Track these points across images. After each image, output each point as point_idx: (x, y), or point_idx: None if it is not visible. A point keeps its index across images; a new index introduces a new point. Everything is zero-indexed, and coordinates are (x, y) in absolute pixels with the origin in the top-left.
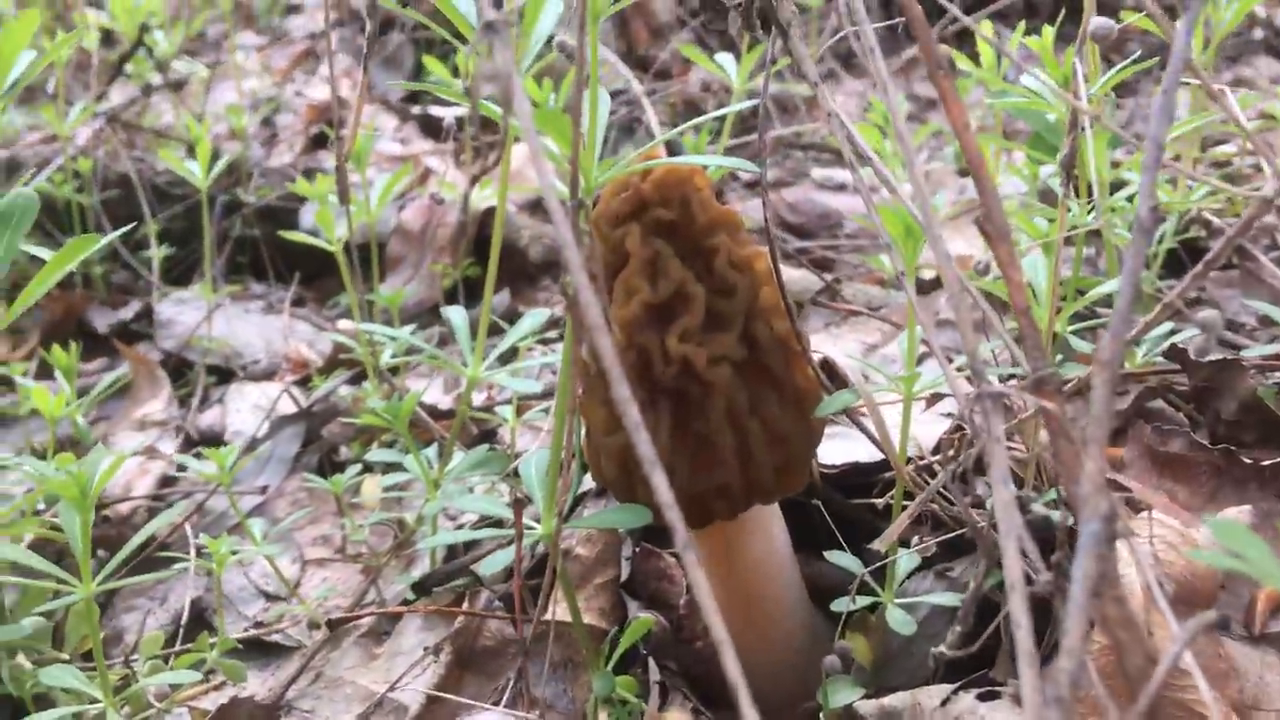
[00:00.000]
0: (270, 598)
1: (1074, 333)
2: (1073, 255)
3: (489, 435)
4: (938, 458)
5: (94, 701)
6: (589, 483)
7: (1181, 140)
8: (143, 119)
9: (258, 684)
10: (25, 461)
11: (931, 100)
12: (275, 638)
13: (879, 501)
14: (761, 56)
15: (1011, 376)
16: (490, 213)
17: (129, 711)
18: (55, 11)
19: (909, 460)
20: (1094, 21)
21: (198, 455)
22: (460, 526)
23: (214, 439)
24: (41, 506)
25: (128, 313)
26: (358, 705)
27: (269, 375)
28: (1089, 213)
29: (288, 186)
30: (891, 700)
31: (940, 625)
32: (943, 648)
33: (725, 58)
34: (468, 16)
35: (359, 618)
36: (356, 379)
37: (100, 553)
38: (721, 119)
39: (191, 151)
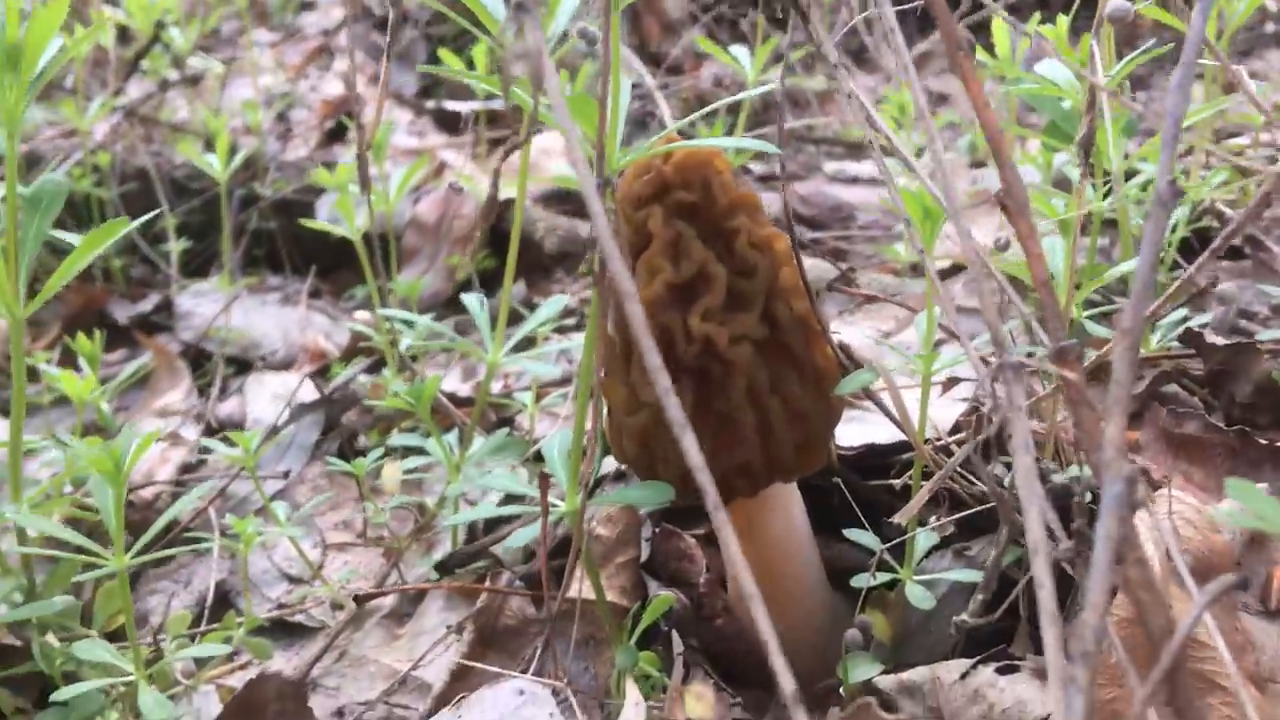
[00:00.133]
0: (293, 580)
1: (1089, 318)
2: (1088, 246)
3: (507, 422)
4: (955, 438)
5: (124, 676)
6: (607, 467)
7: (1195, 132)
8: (159, 114)
9: (282, 663)
10: (56, 442)
11: (943, 95)
12: (299, 619)
13: (896, 483)
14: (774, 50)
15: (1030, 355)
16: (506, 205)
17: (157, 689)
18: (72, 8)
19: (926, 441)
20: (1111, 3)
21: (224, 439)
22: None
23: (234, 428)
24: (69, 489)
25: (147, 305)
26: (382, 683)
27: (287, 366)
28: (1105, 196)
29: (307, 178)
30: (911, 675)
31: (959, 602)
32: (964, 615)
33: (739, 50)
34: (490, 7)
35: (385, 593)
36: (375, 367)
37: (126, 537)
38: (735, 115)
39: (209, 146)
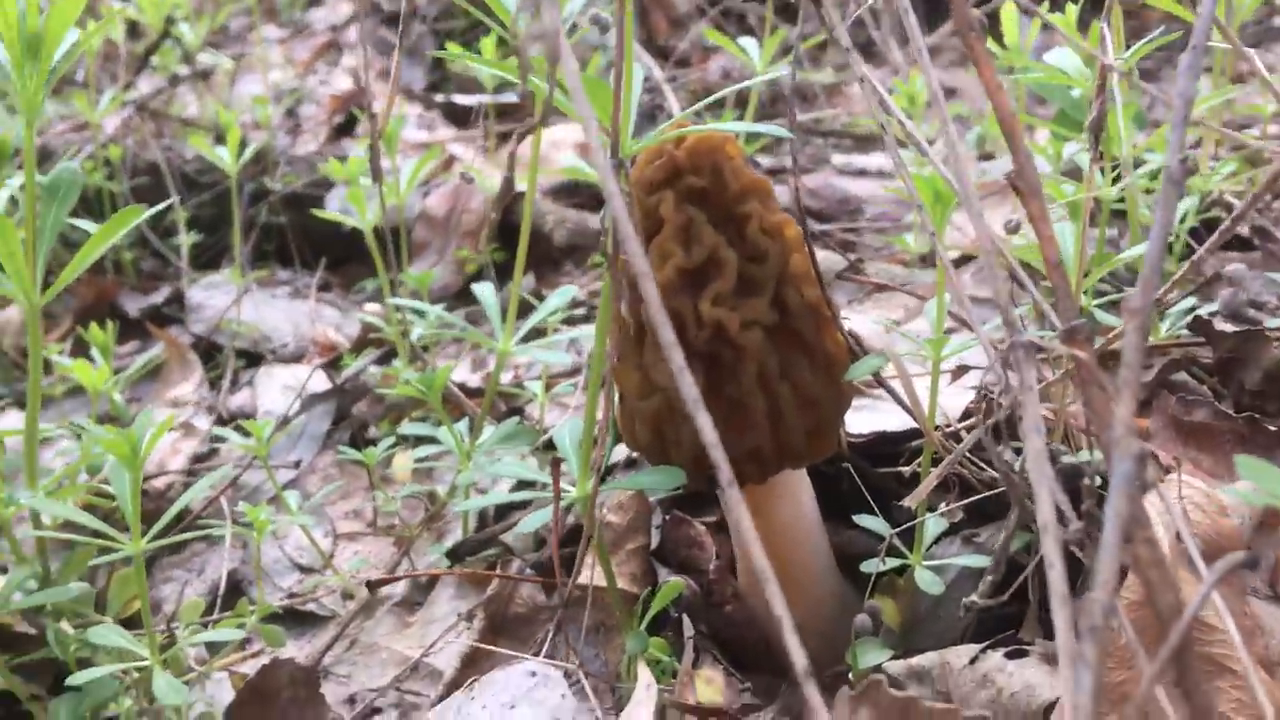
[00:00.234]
0: (304, 570)
1: (1099, 306)
2: (1097, 236)
3: (517, 412)
4: (965, 424)
5: (138, 661)
6: (617, 456)
7: (1203, 125)
8: (170, 109)
9: (294, 651)
10: (73, 427)
11: (951, 89)
12: (310, 607)
13: (906, 470)
14: (782, 42)
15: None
16: (516, 198)
17: (170, 675)
18: (84, 3)
19: (936, 428)
20: None
21: (237, 428)
22: None
23: (245, 419)
24: (83, 478)
25: (158, 297)
26: (393, 669)
27: (297, 358)
28: (1114, 181)
29: (317, 172)
30: (920, 660)
31: (968, 588)
32: (974, 597)
33: (748, 41)
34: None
35: (397, 579)
36: (385, 359)
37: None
38: (743, 109)
39: (219, 140)
